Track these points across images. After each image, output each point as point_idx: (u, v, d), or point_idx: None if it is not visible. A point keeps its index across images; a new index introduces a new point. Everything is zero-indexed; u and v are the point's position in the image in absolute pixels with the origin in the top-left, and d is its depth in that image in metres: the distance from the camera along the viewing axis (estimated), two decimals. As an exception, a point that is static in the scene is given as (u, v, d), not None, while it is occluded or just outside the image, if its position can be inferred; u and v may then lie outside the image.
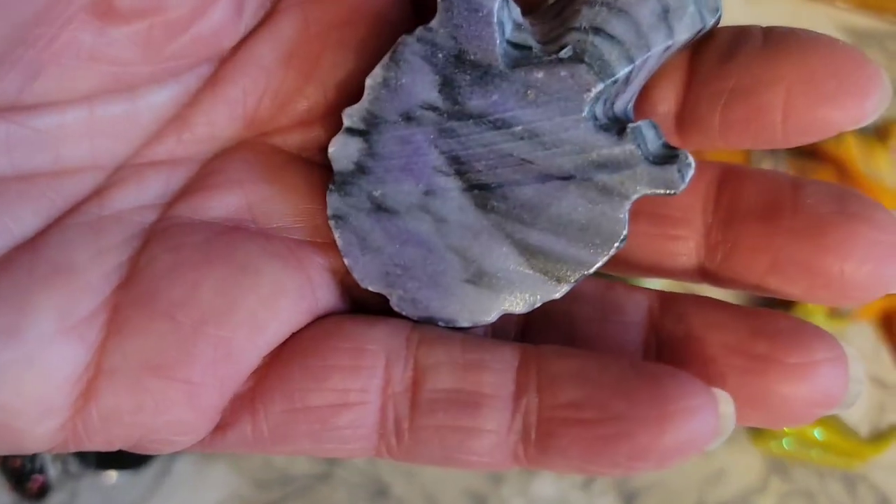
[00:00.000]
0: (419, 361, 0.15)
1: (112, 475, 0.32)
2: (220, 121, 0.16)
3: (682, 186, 0.15)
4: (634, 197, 0.15)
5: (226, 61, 0.16)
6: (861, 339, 0.36)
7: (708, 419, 0.13)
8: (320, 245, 0.16)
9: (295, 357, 0.15)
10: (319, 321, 0.15)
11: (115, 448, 0.15)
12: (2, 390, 0.13)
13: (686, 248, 0.16)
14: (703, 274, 0.16)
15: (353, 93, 0.16)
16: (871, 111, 0.14)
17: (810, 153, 0.35)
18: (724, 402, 0.14)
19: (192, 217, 0.15)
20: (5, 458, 0.32)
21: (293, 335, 0.15)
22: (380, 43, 0.16)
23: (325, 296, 0.16)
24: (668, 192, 0.15)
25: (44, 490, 0.31)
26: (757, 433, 0.34)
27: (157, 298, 0.14)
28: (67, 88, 0.14)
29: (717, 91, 0.15)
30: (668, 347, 0.15)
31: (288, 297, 0.15)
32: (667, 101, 0.16)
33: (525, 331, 0.16)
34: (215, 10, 0.14)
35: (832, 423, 0.33)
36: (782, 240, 0.14)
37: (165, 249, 0.15)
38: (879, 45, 0.41)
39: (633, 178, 0.15)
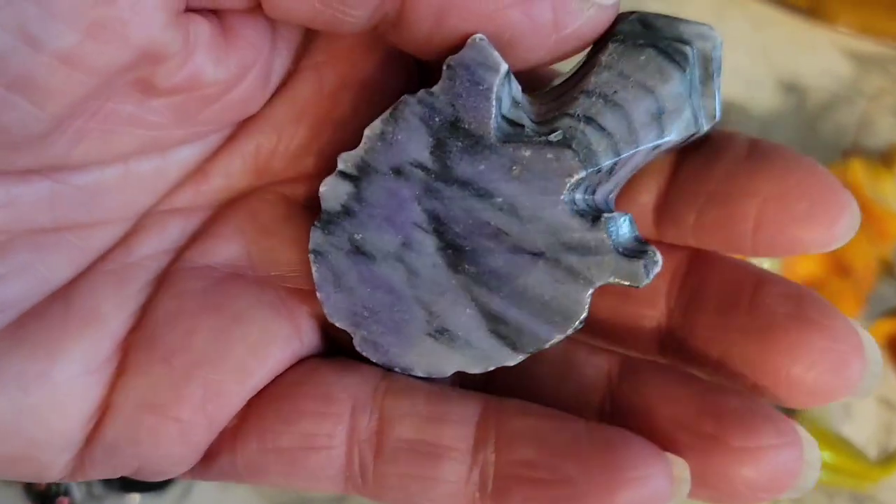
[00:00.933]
0: (384, 411, 0.16)
1: (135, 498, 0.33)
2: (234, 172, 0.17)
3: (646, 282, 0.15)
4: (598, 284, 0.15)
5: (244, 123, 0.17)
6: (868, 361, 0.36)
7: (659, 486, 0.14)
8: (310, 292, 0.17)
9: (272, 399, 0.16)
10: (298, 364, 0.17)
11: (113, 476, 0.16)
12: (32, 426, 0.15)
13: (648, 326, 0.17)
14: (663, 353, 0.17)
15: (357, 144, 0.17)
16: (839, 237, 0.15)
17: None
18: (679, 468, 0.14)
19: (197, 262, 0.16)
20: (30, 482, 0.32)
21: (277, 377, 0.16)
22: (387, 105, 0.17)
23: (310, 341, 0.17)
24: (631, 284, 0.15)
25: (68, 512, 0.32)
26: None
27: (157, 343, 0.15)
28: (107, 151, 0.15)
29: (696, 192, 0.16)
30: (622, 414, 0.16)
31: (276, 344, 0.16)
32: (649, 193, 0.17)
33: (490, 379, 0.17)
34: (246, 81, 0.15)
35: (840, 445, 0.34)
36: (734, 335, 0.15)
37: (169, 296, 0.16)
38: (882, 68, 0.42)
39: (600, 266, 0.15)
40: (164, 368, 0.15)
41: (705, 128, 0.16)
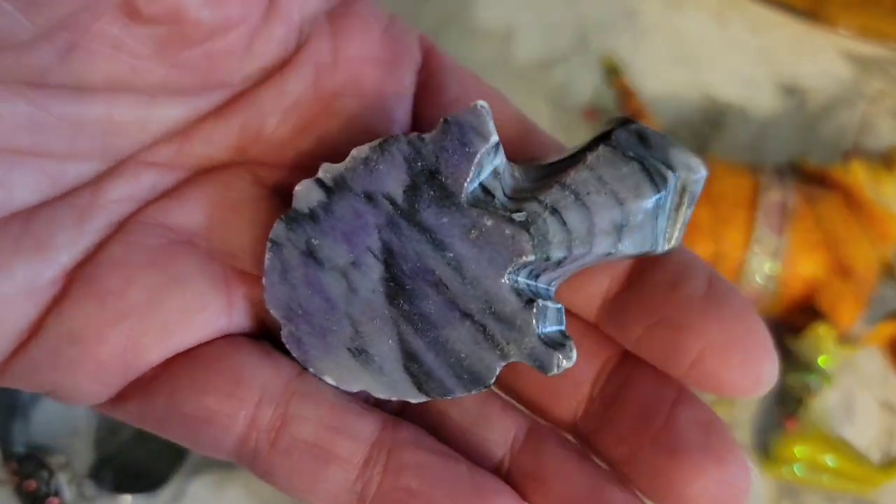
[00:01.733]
0: (289, 409, 0.17)
1: (127, 499, 0.32)
2: (216, 143, 0.18)
3: (553, 373, 0.16)
4: (511, 360, 0.16)
5: (233, 98, 0.17)
6: (870, 365, 0.36)
7: None
8: (251, 277, 0.17)
9: (189, 365, 0.17)
10: (225, 339, 0.17)
11: (24, 389, 0.17)
12: None
13: (566, 405, 0.18)
14: (575, 433, 0.18)
15: (335, 154, 0.17)
16: (761, 388, 0.16)
17: (819, 180, 0.35)
18: None
19: (157, 219, 0.17)
20: (21, 481, 0.32)
21: (201, 343, 0.17)
22: (371, 121, 0.18)
23: (239, 320, 0.17)
24: (540, 370, 0.16)
25: (59, 514, 0.32)
26: (768, 459, 0.34)
27: (97, 284, 0.16)
28: (89, 72, 0.15)
29: (651, 311, 0.17)
30: (516, 475, 0.17)
31: (205, 314, 0.17)
32: (599, 286, 0.18)
33: (406, 403, 0.18)
34: (228, 36, 0.16)
35: (844, 448, 0.33)
36: (644, 443, 0.16)
37: (121, 243, 0.17)
38: (882, 71, 0.42)
39: (519, 344, 0.16)
40: (97, 308, 0.16)
41: (661, 250, 0.17)
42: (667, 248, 0.17)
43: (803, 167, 0.36)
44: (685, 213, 0.17)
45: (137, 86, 0.16)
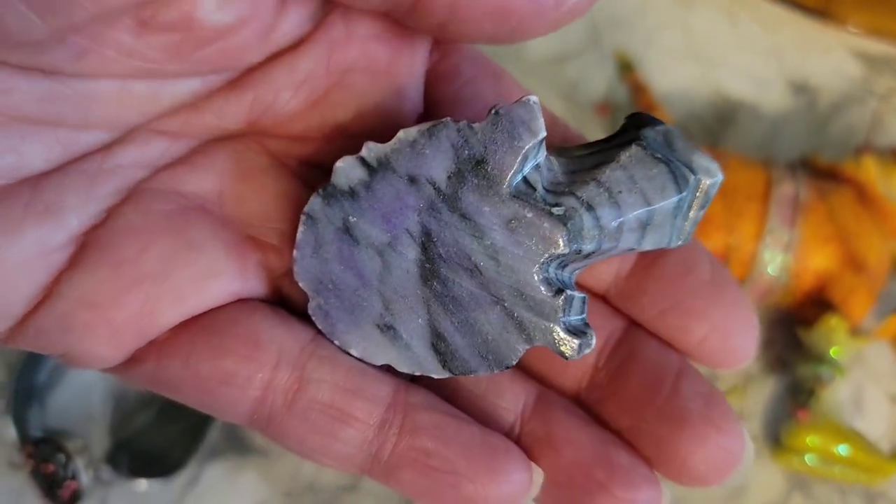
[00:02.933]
0: (306, 372, 0.17)
1: (143, 483, 0.33)
2: (228, 115, 0.18)
3: (574, 358, 0.17)
4: (536, 344, 0.17)
5: (246, 73, 0.18)
6: (880, 359, 0.36)
7: (519, 486, 0.17)
8: (264, 244, 0.18)
9: (205, 328, 0.17)
10: (240, 303, 0.18)
11: (36, 351, 0.17)
12: None
13: (573, 375, 0.19)
14: (580, 403, 0.19)
15: (346, 128, 0.18)
16: (747, 362, 0.18)
17: (830, 175, 0.36)
18: (537, 475, 0.17)
19: (170, 185, 0.17)
20: (38, 464, 0.32)
21: (216, 307, 0.17)
22: (382, 97, 0.18)
23: (252, 287, 0.18)
24: (561, 355, 0.17)
25: (76, 497, 0.32)
26: (779, 449, 0.34)
27: (111, 249, 0.16)
28: (103, 70, 0.16)
29: (665, 296, 0.18)
30: (526, 440, 0.18)
31: (219, 279, 0.17)
32: (609, 266, 0.19)
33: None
34: (243, 32, 0.16)
35: (854, 438, 0.34)
36: (648, 414, 0.17)
37: (135, 209, 0.17)
38: (892, 69, 0.42)
39: (545, 331, 0.17)
40: (111, 273, 0.16)
41: (675, 244, 0.18)
42: (678, 244, 0.18)
43: (815, 163, 0.36)
44: (699, 213, 0.18)
45: (153, 78, 0.16)
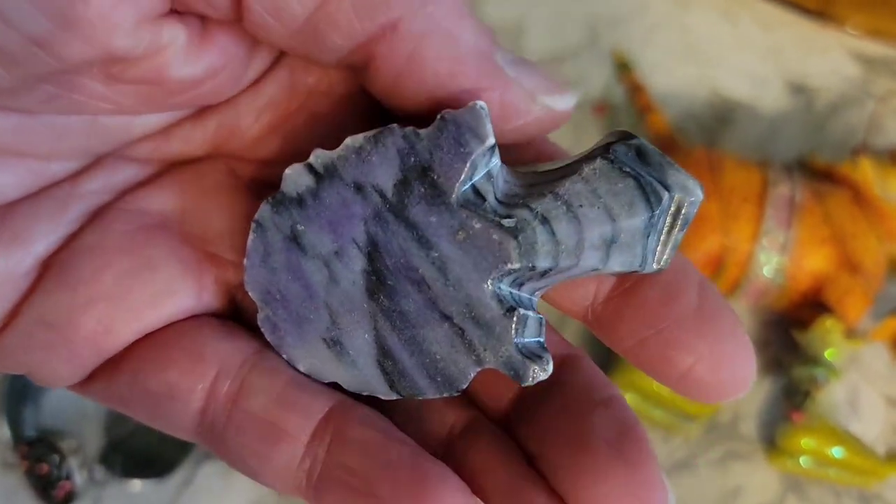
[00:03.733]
0: (245, 383, 0.17)
1: (137, 483, 0.33)
2: (194, 141, 0.18)
3: (528, 383, 0.16)
4: (486, 367, 0.16)
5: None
6: (875, 360, 0.36)
7: None
8: (222, 260, 0.18)
9: (153, 344, 0.17)
10: (193, 318, 0.18)
11: (4, 372, 0.18)
12: None
13: (500, 398, 0.18)
14: (502, 422, 0.18)
15: (309, 150, 0.17)
16: (740, 395, 0.16)
17: (827, 176, 0.36)
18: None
19: (132, 205, 0.17)
20: (32, 465, 0.32)
21: (168, 325, 0.17)
22: (343, 119, 0.18)
23: (208, 303, 0.18)
24: (514, 379, 0.16)
25: (69, 497, 0.32)
26: (774, 451, 0.34)
27: (69, 270, 0.17)
28: (75, 111, 0.16)
29: (643, 325, 0.17)
30: (449, 461, 0.17)
31: (175, 297, 0.17)
32: (585, 290, 0.17)
33: None
34: (215, 80, 0.16)
35: (850, 441, 0.34)
36: (558, 440, 0.16)
37: (95, 230, 0.17)
38: (890, 71, 0.42)
39: (496, 352, 0.16)
40: (69, 294, 0.16)
41: (649, 269, 0.16)
42: (655, 268, 0.17)
43: (812, 163, 0.36)
44: (677, 235, 0.16)
45: (122, 114, 0.17)
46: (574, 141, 0.40)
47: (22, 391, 0.34)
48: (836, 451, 0.33)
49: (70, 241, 0.17)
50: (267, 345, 0.17)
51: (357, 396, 0.17)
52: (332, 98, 0.18)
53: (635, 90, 0.40)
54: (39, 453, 0.32)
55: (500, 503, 0.16)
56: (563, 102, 0.16)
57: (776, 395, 0.35)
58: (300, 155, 0.17)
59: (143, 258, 0.17)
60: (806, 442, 0.33)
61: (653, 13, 0.43)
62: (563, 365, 0.18)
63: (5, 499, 0.32)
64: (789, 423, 0.34)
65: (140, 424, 0.33)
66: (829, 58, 0.43)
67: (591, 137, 0.40)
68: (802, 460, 0.33)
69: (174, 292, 0.17)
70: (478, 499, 0.16)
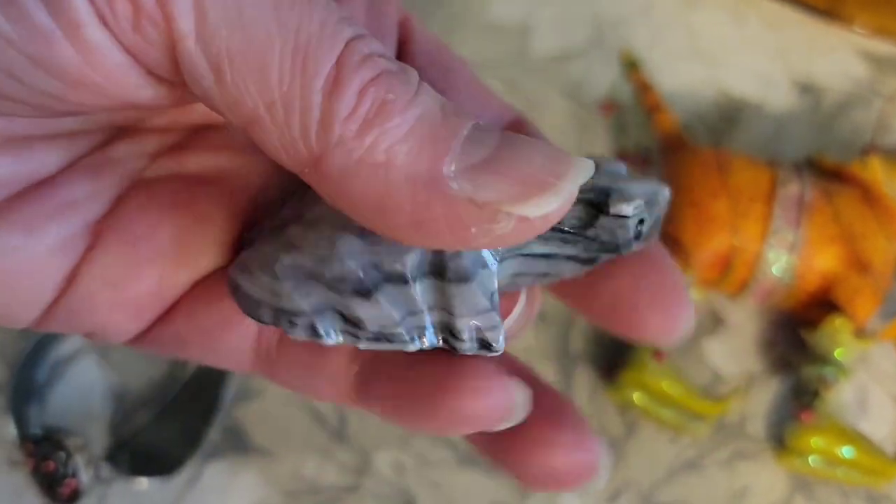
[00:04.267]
0: None
1: (143, 482, 0.32)
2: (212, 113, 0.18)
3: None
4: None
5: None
6: (884, 360, 0.36)
7: (497, 400, 0.16)
8: (264, 206, 0.18)
9: (203, 286, 0.18)
10: None
11: (66, 332, 0.18)
12: (7, 288, 0.17)
13: None
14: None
15: None
16: (676, 333, 0.18)
17: (836, 175, 0.36)
18: (519, 392, 0.16)
19: (171, 168, 0.18)
20: (38, 463, 0.32)
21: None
22: None
23: None
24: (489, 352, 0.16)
25: (75, 495, 0.32)
26: (782, 450, 0.34)
27: (126, 230, 0.17)
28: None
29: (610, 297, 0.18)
30: None
31: (227, 245, 0.18)
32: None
33: None
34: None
35: (859, 440, 0.33)
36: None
37: (141, 192, 0.18)
38: (898, 71, 0.42)
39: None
40: (129, 251, 0.17)
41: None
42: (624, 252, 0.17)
43: (820, 162, 0.36)
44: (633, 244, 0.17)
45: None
46: (580, 141, 0.40)
47: (28, 389, 0.34)
48: (846, 451, 0.33)
49: (118, 205, 0.17)
50: None
51: None
52: None
53: (643, 89, 0.40)
54: (45, 451, 0.32)
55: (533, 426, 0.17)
56: (543, 207, 0.14)
57: (785, 395, 0.35)
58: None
59: (194, 212, 0.18)
60: (815, 441, 0.33)
61: (659, 13, 0.43)
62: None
63: (11, 496, 0.32)
64: (798, 422, 0.34)
65: (146, 423, 0.33)
66: (836, 57, 0.42)
67: (597, 137, 0.40)
68: (811, 460, 0.33)
69: (226, 241, 0.18)
70: (525, 386, 0.17)
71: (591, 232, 0.17)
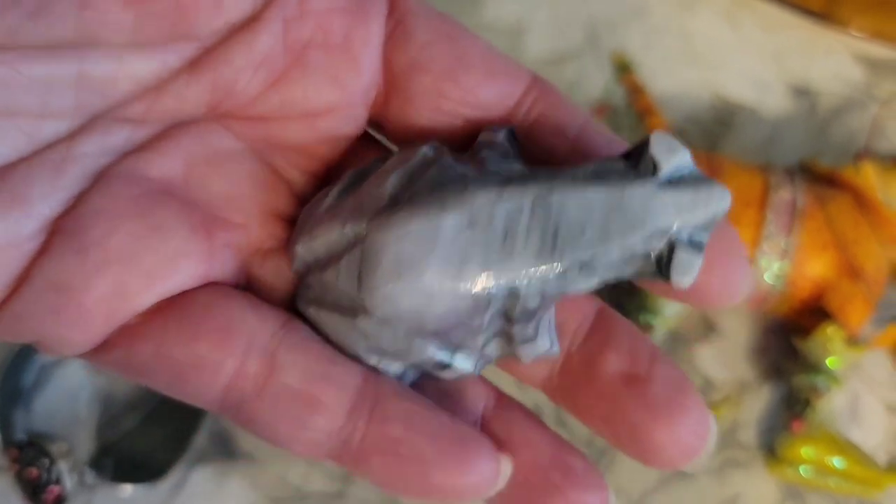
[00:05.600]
0: (277, 357, 0.17)
1: (127, 488, 0.32)
2: (189, 98, 0.18)
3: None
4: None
5: (203, 55, 0.18)
6: (877, 368, 0.36)
7: (487, 477, 0.17)
8: (231, 223, 0.18)
9: (178, 313, 0.17)
10: (210, 287, 0.18)
11: (10, 340, 0.17)
12: None
13: (543, 365, 0.19)
14: (550, 390, 0.19)
15: (306, 104, 0.18)
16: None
17: (829, 181, 0.35)
18: (505, 465, 0.17)
19: (135, 170, 0.17)
20: (21, 469, 0.32)
21: (186, 291, 0.17)
22: (340, 72, 0.18)
23: (223, 268, 0.18)
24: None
25: (59, 501, 0.31)
26: (773, 460, 0.34)
27: (79, 234, 0.16)
28: (59, 30, 0.16)
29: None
30: (487, 434, 0.18)
31: (187, 261, 0.17)
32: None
33: None
34: None
35: (850, 450, 0.33)
36: (623, 401, 0.18)
37: (101, 194, 0.17)
38: (894, 74, 0.42)
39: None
40: (80, 258, 0.16)
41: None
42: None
43: (813, 168, 0.36)
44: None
45: (106, 39, 0.16)
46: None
47: (12, 394, 0.33)
48: (837, 461, 0.33)
49: (76, 205, 0.17)
50: (291, 317, 0.18)
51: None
52: (327, 51, 0.18)
53: (635, 92, 0.40)
54: (29, 457, 0.32)
55: (545, 469, 0.17)
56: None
57: (776, 403, 0.35)
58: (298, 111, 0.18)
59: (152, 221, 0.17)
60: (806, 451, 0.33)
61: (654, 15, 0.43)
62: (601, 324, 0.19)
63: (-5, 502, 0.32)
64: (789, 431, 0.33)
65: (131, 429, 0.33)
66: (832, 60, 0.42)
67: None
68: (802, 469, 0.33)
69: (186, 255, 0.17)
70: (509, 458, 0.17)
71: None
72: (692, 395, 0.17)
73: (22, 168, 0.16)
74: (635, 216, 0.16)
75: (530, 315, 0.17)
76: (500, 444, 0.17)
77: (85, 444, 0.33)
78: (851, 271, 0.33)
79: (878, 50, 0.42)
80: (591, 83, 0.41)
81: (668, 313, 0.34)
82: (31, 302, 0.16)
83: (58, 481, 0.31)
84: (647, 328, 0.34)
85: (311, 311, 0.18)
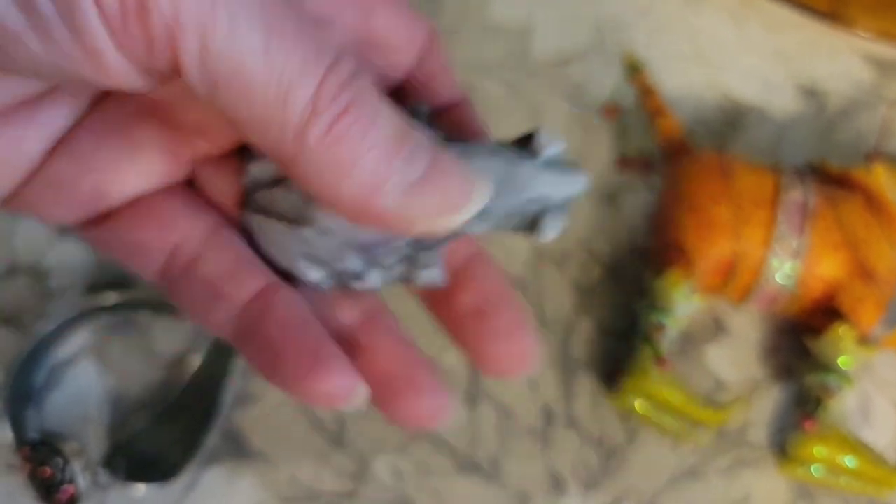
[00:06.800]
0: (203, 252, 0.22)
1: (140, 488, 0.32)
2: None
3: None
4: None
5: None
6: (888, 367, 0.36)
7: (340, 389, 0.20)
8: (199, 144, 0.22)
9: (133, 207, 0.22)
10: (169, 188, 0.22)
11: (24, 216, 0.23)
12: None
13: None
14: (421, 297, 0.23)
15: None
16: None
17: (840, 182, 0.35)
18: (360, 387, 0.20)
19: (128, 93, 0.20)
20: (34, 468, 0.32)
21: (147, 193, 0.22)
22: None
23: (180, 176, 0.22)
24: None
25: (73, 501, 0.31)
26: (785, 459, 0.34)
27: (74, 147, 0.21)
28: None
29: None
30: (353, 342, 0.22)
31: (153, 172, 0.22)
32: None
33: None
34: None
35: (862, 449, 0.33)
36: (475, 326, 0.22)
37: (96, 115, 0.21)
38: (902, 75, 0.42)
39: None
40: (72, 164, 0.21)
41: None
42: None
43: (824, 168, 0.36)
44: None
45: None
46: (582, 145, 0.40)
47: (24, 394, 0.33)
48: (849, 461, 0.33)
49: (79, 123, 0.21)
50: (223, 220, 0.22)
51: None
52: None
53: (646, 93, 0.40)
54: (42, 456, 0.32)
55: (392, 377, 0.21)
56: (450, 224, 0.19)
57: (787, 403, 0.35)
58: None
59: (132, 139, 0.21)
60: (819, 450, 0.33)
61: (659, 15, 0.43)
62: (473, 260, 0.22)
63: (7, 501, 0.32)
64: (801, 431, 0.33)
65: (144, 428, 0.33)
66: (840, 61, 0.42)
67: (599, 141, 0.40)
68: (814, 469, 0.33)
69: (154, 168, 0.21)
70: (364, 383, 0.20)
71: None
72: (526, 328, 0.22)
73: (48, 95, 0.20)
74: (522, 184, 0.20)
75: (435, 245, 0.21)
76: (362, 351, 0.21)
77: (96, 444, 0.33)
78: (863, 272, 0.33)
79: (887, 50, 0.42)
80: (599, 84, 0.41)
81: (680, 313, 0.34)
82: (36, 194, 0.21)
83: (71, 481, 0.31)
84: (658, 328, 0.34)
85: (256, 220, 0.22)
